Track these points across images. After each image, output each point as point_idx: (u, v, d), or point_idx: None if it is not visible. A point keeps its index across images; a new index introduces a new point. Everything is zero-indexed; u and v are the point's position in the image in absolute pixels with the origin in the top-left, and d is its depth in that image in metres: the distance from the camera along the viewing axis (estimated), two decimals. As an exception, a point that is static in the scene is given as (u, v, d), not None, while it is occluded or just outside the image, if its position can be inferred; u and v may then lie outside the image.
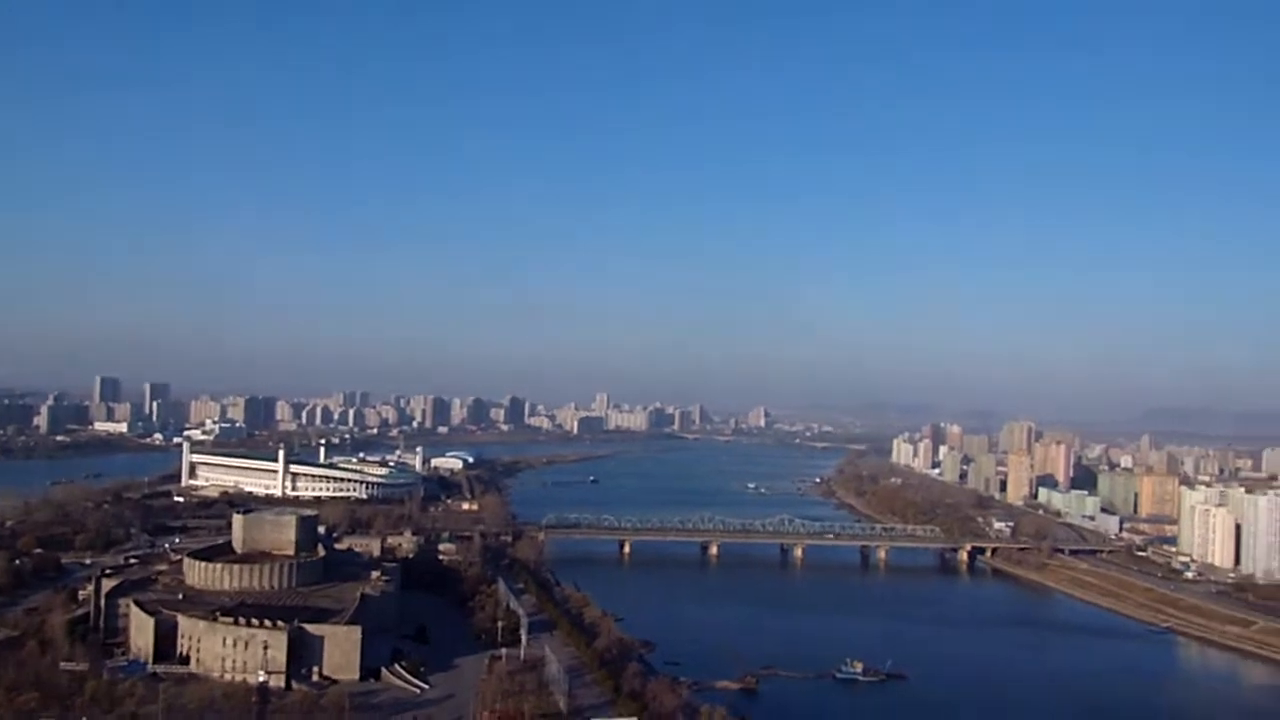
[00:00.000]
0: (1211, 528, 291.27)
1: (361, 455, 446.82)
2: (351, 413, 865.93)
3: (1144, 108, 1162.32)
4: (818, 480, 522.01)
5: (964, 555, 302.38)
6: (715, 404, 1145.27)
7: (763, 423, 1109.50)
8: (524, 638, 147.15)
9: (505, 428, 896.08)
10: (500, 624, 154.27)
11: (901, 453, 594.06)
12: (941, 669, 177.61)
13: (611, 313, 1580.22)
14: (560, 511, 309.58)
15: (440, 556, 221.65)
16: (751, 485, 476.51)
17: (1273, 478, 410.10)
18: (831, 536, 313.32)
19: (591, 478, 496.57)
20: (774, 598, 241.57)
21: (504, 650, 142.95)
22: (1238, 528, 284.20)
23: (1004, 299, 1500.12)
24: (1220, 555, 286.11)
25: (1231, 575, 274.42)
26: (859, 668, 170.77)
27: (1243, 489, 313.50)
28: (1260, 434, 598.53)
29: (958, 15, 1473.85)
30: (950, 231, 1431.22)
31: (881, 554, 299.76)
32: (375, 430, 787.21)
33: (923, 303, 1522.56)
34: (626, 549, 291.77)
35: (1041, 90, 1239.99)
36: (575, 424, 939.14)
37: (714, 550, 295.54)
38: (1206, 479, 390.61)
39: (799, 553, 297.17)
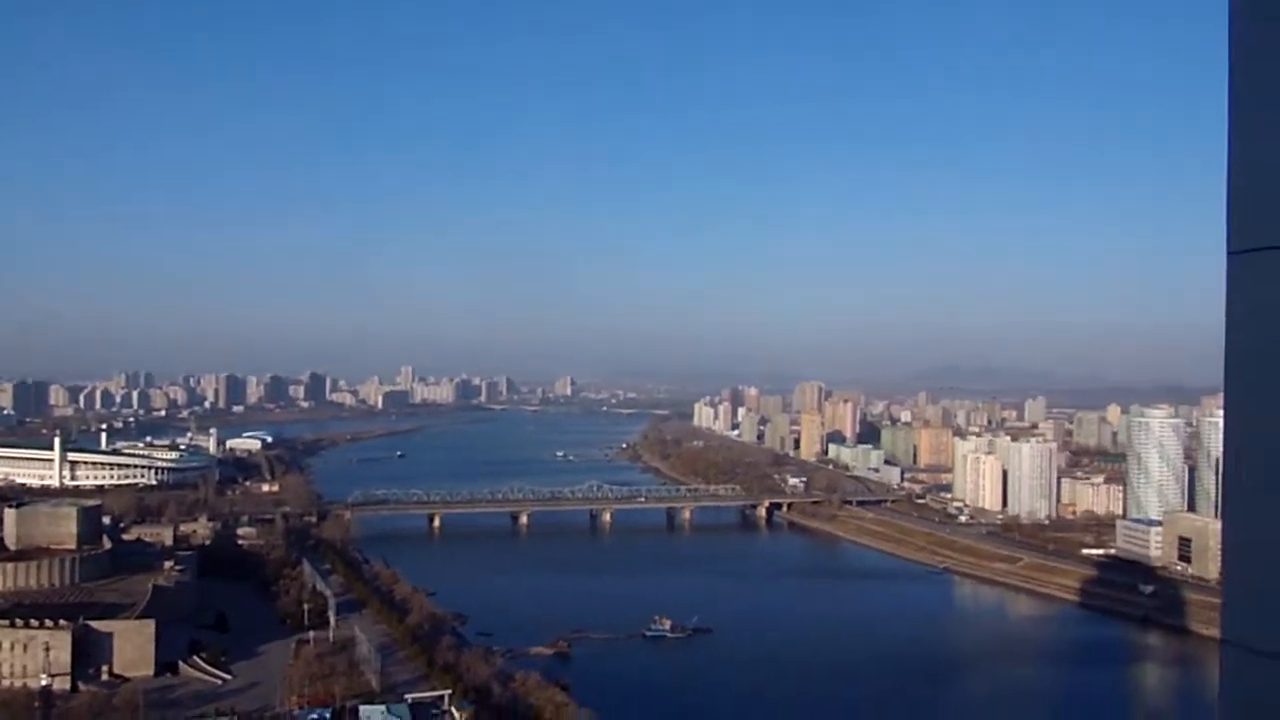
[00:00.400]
0: (981, 474, 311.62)
1: (149, 439, 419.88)
2: (135, 395, 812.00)
3: (924, 56, 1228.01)
4: (624, 446, 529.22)
5: (762, 511, 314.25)
6: (522, 374, 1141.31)
7: (569, 391, 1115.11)
8: (332, 619, 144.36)
9: (306, 405, 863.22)
10: (307, 607, 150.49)
11: (703, 416, 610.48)
12: (743, 620, 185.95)
13: (416, 284, 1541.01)
14: (367, 488, 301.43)
15: (240, 541, 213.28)
16: (560, 453, 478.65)
17: (1034, 426, 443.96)
18: (639, 500, 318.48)
19: (399, 453, 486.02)
20: (585, 563, 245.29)
21: (311, 633, 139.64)
22: (1004, 473, 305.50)
23: (803, 264, 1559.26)
24: (990, 499, 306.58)
25: (1000, 517, 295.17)
26: (667, 625, 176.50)
27: (1008, 438, 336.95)
28: (1023, 387, 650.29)
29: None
30: (753, 197, 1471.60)
31: (686, 514, 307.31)
32: (163, 412, 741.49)
33: (724, 269, 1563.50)
34: (436, 523, 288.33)
35: (820, 47, 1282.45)
36: (380, 399, 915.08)
37: (524, 520, 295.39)
38: (976, 430, 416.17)
39: (608, 517, 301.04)
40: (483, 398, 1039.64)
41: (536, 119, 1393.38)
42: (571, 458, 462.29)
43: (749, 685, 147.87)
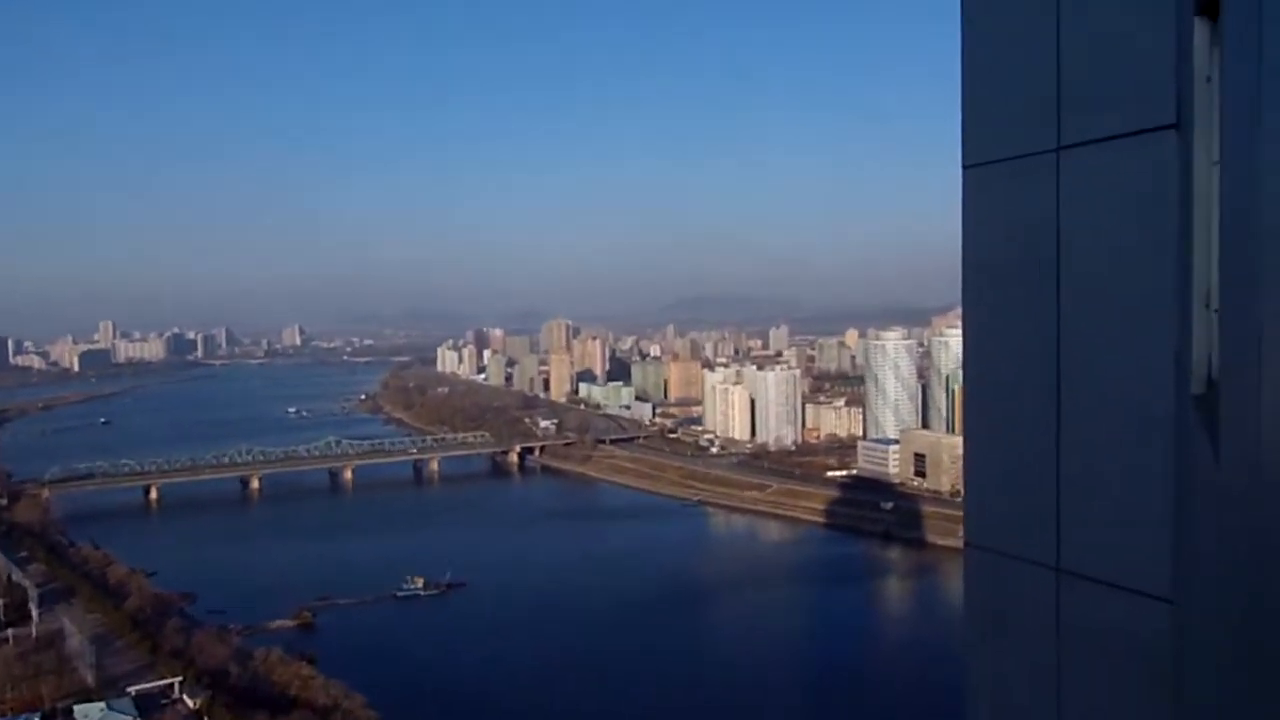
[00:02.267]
0: (730, 405, 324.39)
1: None
2: None
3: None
4: (363, 397, 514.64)
5: (514, 457, 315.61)
6: (244, 325, 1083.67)
7: (298, 341, 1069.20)
8: (34, 612, 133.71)
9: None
10: (2, 602, 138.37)
11: (447, 361, 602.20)
12: (498, 571, 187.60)
13: (109, 227, 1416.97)
14: (67, 462, 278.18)
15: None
16: (292, 410, 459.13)
17: (778, 354, 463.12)
18: (382, 454, 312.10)
19: (102, 419, 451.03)
20: (326, 525, 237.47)
21: (10, 631, 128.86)
22: (752, 402, 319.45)
23: (539, 198, 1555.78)
24: (739, 429, 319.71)
25: (749, 446, 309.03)
26: (419, 583, 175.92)
27: (755, 367, 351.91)
28: (770, 316, 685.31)
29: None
30: (482, 131, 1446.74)
31: (434, 465, 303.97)
32: None
33: (456, 207, 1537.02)
34: (153, 495, 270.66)
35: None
36: (75, 360, 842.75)
37: (255, 484, 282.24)
38: (724, 360, 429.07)
39: (349, 475, 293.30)
40: (199, 353, 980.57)
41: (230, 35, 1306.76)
42: (305, 413, 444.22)
43: (503, 636, 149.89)
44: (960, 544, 3.62)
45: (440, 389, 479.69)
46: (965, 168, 3.93)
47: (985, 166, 3.82)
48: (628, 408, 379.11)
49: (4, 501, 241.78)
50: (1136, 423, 3.16)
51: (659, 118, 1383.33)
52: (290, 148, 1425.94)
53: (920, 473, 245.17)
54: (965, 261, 3.94)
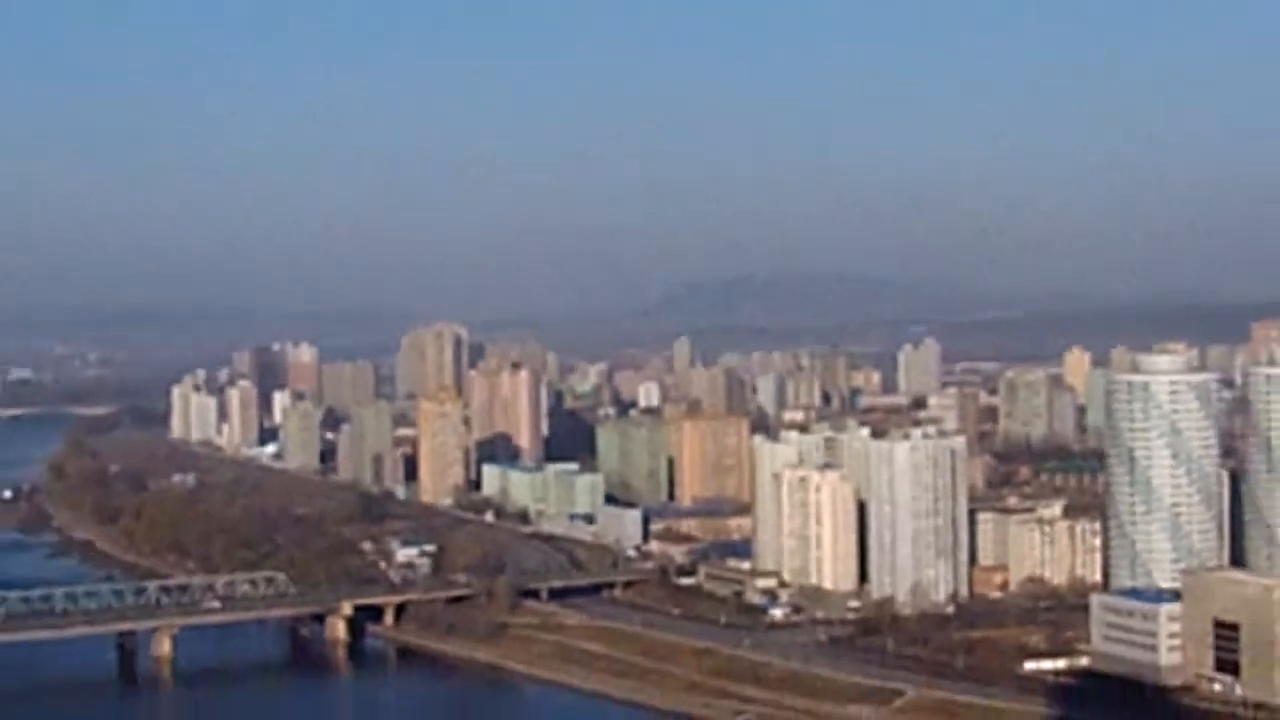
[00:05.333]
0: (811, 513, 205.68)
1: None
2: None
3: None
4: (6, 495, 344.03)
5: (339, 625, 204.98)
6: None
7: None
8: None
9: None
10: None
11: (190, 414, 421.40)
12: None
13: None
14: None
15: None
16: None
17: (917, 403, 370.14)
18: (49, 621, 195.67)
19: None
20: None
21: None
22: (861, 508, 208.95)
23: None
24: (833, 569, 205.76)
25: (853, 605, 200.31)
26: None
27: (866, 431, 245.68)
28: (870, 312, 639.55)
29: None
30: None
31: (165, 645, 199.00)
32: None
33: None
34: None
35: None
36: None
37: None
38: (799, 415, 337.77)
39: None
40: None
41: None
42: None
43: None
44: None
45: (177, 477, 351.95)
46: None
47: None
48: (588, 520, 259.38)
49: None
50: None
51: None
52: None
53: (1227, 665, 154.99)
54: None
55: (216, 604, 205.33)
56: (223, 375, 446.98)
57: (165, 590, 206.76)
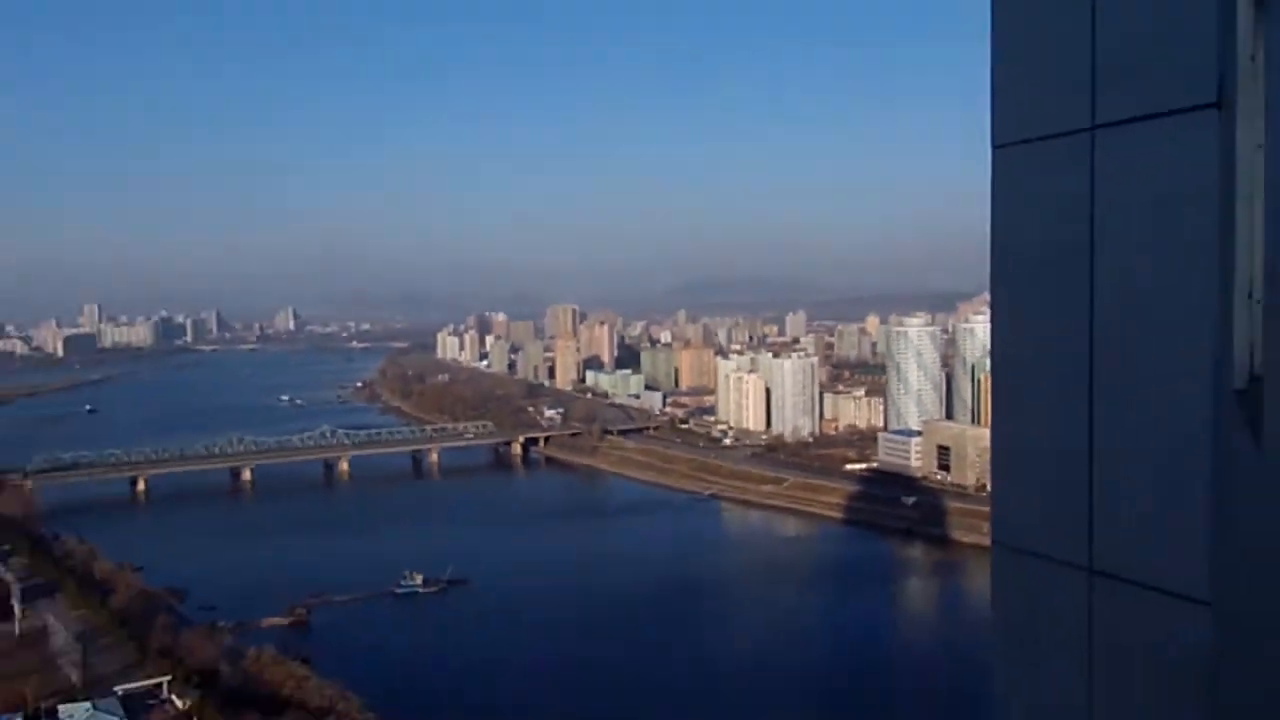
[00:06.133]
0: (744, 394, 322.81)
1: None
2: None
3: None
4: (359, 385, 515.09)
5: (517, 448, 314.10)
6: (235, 308, 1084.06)
7: (292, 326, 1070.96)
8: (17, 608, 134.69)
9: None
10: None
11: (447, 347, 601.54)
12: (501, 567, 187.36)
13: (94, 206, 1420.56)
14: (51, 452, 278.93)
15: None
16: (285, 398, 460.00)
17: (795, 341, 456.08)
18: (379, 444, 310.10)
19: (88, 407, 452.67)
20: (321, 519, 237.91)
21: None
22: (768, 391, 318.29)
23: (540, 177, 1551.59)
24: (754, 419, 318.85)
25: (764, 437, 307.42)
26: (419, 579, 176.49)
27: (770, 355, 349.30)
28: (786, 299, 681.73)
29: None
30: (496, 111, 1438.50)
31: (434, 457, 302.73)
32: None
33: (448, 185, 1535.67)
34: (141, 487, 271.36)
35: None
36: (60, 344, 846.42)
37: (247, 475, 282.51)
38: (739, 347, 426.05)
39: (344, 466, 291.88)
40: (189, 338, 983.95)
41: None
42: (299, 401, 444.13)
43: (507, 635, 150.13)
44: (986, 541, 4.01)
45: (440, 376, 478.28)
46: (995, 147, 3.85)
47: (1016, 146, 3.74)
48: (637, 397, 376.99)
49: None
50: (1174, 417, 3.11)
51: (666, 94, 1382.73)
52: (283, 125, 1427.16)
53: (944, 466, 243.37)
54: (994, 245, 3.87)
55: (460, 438, 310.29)
56: (461, 327, 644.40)
57: (435, 430, 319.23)
